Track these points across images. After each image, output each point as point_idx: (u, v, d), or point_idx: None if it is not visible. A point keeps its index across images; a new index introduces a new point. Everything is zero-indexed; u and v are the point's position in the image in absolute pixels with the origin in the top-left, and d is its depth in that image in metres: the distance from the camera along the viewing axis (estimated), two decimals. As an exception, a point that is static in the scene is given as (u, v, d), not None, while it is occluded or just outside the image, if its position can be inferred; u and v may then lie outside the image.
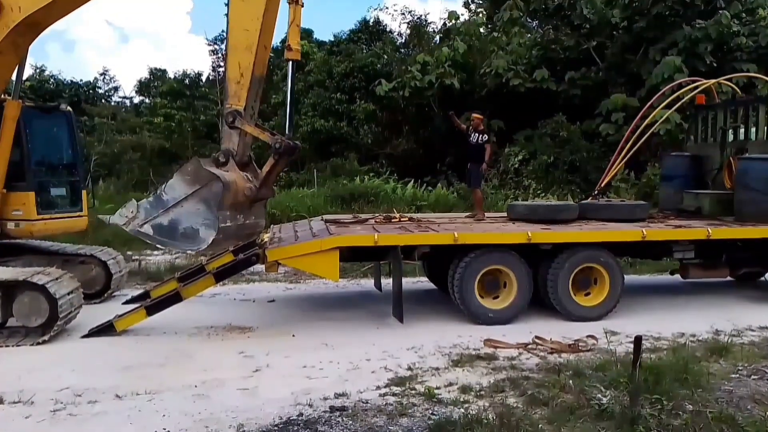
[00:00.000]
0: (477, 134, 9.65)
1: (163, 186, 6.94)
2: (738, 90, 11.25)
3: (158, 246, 7.08)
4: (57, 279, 6.97)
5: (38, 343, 6.73)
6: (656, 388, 4.75)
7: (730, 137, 10.22)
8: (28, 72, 28.64)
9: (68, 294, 6.99)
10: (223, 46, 32.51)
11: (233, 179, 6.86)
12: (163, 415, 4.82)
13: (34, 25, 7.55)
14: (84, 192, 9.30)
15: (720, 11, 16.59)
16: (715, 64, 16.48)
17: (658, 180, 13.55)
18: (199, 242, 6.82)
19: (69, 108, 9.33)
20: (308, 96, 24.56)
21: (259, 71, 7.05)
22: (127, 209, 6.92)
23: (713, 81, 11.12)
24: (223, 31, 34.81)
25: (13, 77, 8.45)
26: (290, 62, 7.41)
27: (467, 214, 10.32)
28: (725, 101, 11.08)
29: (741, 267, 8.90)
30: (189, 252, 7.20)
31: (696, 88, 10.93)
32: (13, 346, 6.70)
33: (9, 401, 5.10)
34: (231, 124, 6.95)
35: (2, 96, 8.11)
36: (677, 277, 9.20)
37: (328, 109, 23.68)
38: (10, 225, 8.27)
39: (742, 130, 10.11)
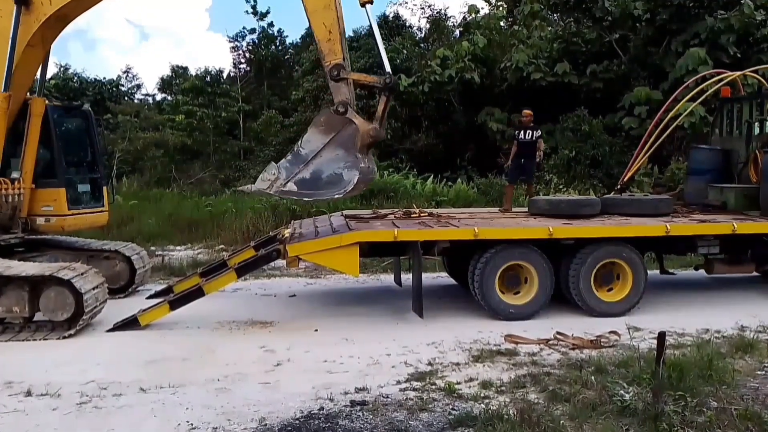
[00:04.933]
0: (529, 131, 10.02)
1: (299, 142, 7.12)
2: (764, 82, 11.01)
3: (304, 200, 7.26)
4: (82, 274, 7.09)
5: (64, 337, 6.86)
6: (680, 385, 4.69)
7: (756, 130, 10.02)
8: (52, 71, 29.14)
9: (93, 289, 7.11)
10: (243, 43, 32.83)
11: (360, 122, 7.12)
12: (187, 408, 4.88)
13: (62, 18, 7.77)
14: (105, 188, 9.49)
15: (743, 1, 16.26)
16: (739, 56, 16.15)
17: (683, 174, 13.36)
18: (344, 185, 7.02)
19: (89, 107, 9.54)
20: (328, 92, 24.53)
21: (341, 25, 7.33)
22: (268, 173, 7.08)
23: (738, 73, 10.90)
24: (244, 27, 35.10)
25: (37, 75, 8.62)
26: (366, 6, 7.63)
27: (501, 208, 10.50)
28: (751, 94, 10.87)
29: (767, 262, 8.74)
30: (336, 196, 7.34)
31: (721, 80, 10.73)
32: (40, 339, 6.85)
33: (36, 393, 5.21)
34: (336, 78, 7.19)
35: (27, 95, 8.28)
36: (702, 272, 9.08)
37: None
38: (40, 220, 8.45)
39: (768, 123, 9.92)
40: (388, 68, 7.51)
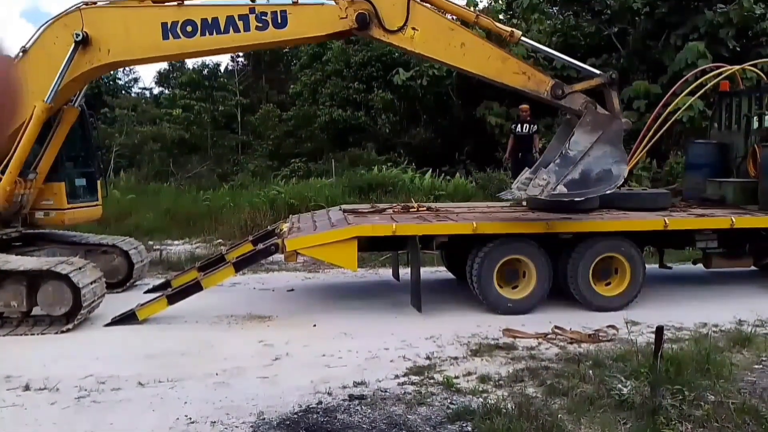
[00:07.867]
0: (526, 124, 10.36)
1: (566, 145, 7.19)
2: (763, 76, 11.00)
3: (575, 200, 7.33)
4: (80, 268, 7.08)
5: (62, 332, 6.85)
6: (677, 379, 4.70)
7: (755, 124, 10.02)
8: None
9: (91, 283, 7.09)
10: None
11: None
12: (185, 403, 4.89)
13: (112, 66, 7.83)
14: (99, 182, 9.48)
15: (742, -6, 16.23)
16: (738, 49, 16.14)
17: (681, 168, 13.37)
18: (614, 180, 7.18)
19: (83, 102, 9.57)
20: (326, 86, 24.51)
21: (520, 58, 7.74)
22: (539, 179, 7.15)
23: (737, 67, 10.89)
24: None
25: None
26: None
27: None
28: (750, 88, 10.85)
29: (765, 257, 8.75)
30: (607, 191, 7.45)
31: (720, 74, 10.72)
32: (37, 334, 6.84)
33: (35, 388, 5.21)
34: (562, 96, 7.32)
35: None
36: (700, 266, 9.09)
37: (346, 99, 23.62)
38: (39, 214, 8.47)
39: (767, 117, 9.91)
40: (594, 70, 7.79)
